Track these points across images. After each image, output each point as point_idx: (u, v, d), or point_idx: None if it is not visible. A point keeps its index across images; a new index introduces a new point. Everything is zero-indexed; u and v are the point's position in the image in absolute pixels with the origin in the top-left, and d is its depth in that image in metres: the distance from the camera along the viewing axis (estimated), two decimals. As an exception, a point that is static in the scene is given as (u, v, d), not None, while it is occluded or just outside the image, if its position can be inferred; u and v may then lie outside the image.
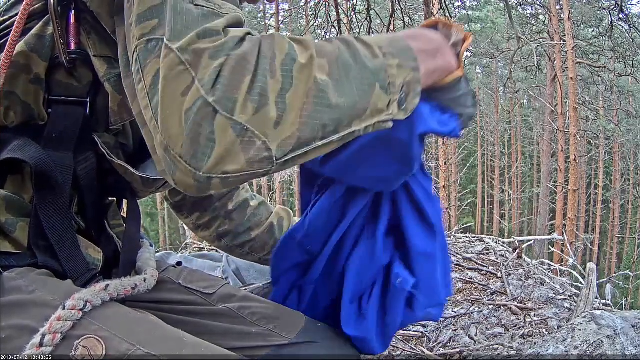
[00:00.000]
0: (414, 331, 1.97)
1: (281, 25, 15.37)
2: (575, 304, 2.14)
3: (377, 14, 5.09)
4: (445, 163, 11.68)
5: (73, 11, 0.73)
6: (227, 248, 1.19)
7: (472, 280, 2.54)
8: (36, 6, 0.73)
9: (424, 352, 1.77)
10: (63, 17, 0.72)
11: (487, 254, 2.99)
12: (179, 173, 0.54)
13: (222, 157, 0.52)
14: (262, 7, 13.71)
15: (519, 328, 1.90)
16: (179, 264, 1.05)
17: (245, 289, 1.21)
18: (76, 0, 0.73)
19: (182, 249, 3.56)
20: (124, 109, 0.77)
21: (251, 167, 0.53)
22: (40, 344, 0.57)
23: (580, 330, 1.40)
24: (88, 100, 0.76)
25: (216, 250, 2.98)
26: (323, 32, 5.54)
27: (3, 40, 0.74)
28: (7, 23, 0.75)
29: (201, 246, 3.40)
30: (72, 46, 0.73)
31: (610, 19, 5.99)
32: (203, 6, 0.57)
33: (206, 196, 1.11)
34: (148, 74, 0.55)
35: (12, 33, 0.69)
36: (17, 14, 0.72)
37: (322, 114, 0.54)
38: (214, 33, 0.54)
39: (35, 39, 0.73)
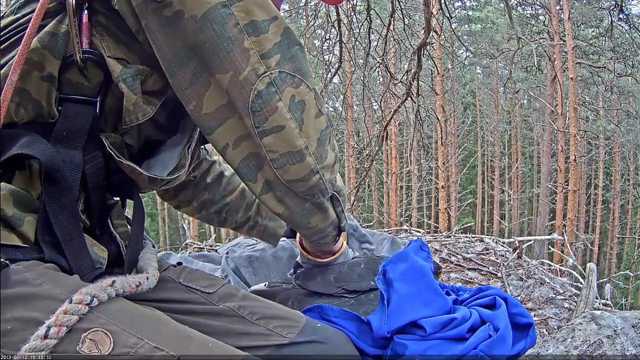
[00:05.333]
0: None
1: (281, 26, 15.34)
2: (575, 304, 2.14)
3: (377, 14, 5.08)
4: (444, 163, 11.68)
5: (86, 11, 0.74)
6: (207, 217, 1.30)
7: (472, 280, 2.54)
8: (51, 4, 0.74)
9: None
10: (76, 16, 0.73)
11: (487, 254, 2.99)
12: (300, 165, 0.80)
13: (328, 165, 0.84)
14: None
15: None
16: (179, 264, 1.05)
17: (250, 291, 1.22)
18: (91, 0, 0.74)
19: (182, 249, 3.57)
20: (139, 108, 0.78)
21: (332, 175, 0.86)
22: (45, 336, 0.58)
23: (580, 330, 1.40)
24: (98, 99, 0.77)
25: (215, 251, 2.98)
26: (323, 32, 5.54)
27: (16, 38, 0.75)
28: (21, 20, 0.76)
29: (201, 246, 3.40)
30: (84, 45, 0.74)
31: (610, 19, 5.99)
32: (303, 48, 0.80)
33: (189, 180, 1.24)
34: (286, 96, 0.76)
35: (28, 30, 0.70)
36: (30, 12, 0.73)
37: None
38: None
39: (49, 36, 0.73)
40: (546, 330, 1.95)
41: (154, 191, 1.23)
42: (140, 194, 0.89)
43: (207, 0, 0.71)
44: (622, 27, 7.21)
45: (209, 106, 0.77)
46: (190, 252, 3.10)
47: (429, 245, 3.01)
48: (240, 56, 0.73)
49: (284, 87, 0.76)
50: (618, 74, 9.92)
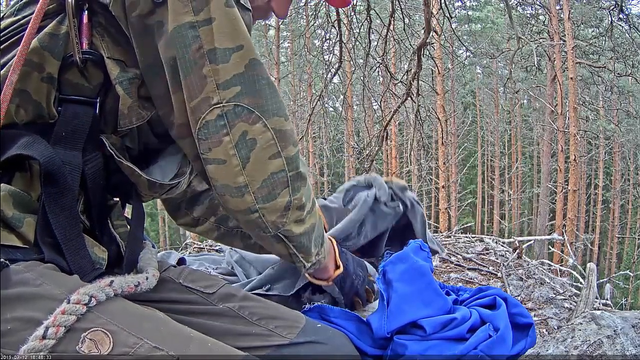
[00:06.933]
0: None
1: (281, 26, 15.36)
2: (575, 304, 2.14)
3: (377, 14, 5.09)
4: (444, 163, 11.68)
5: (86, 12, 0.74)
6: (222, 236, 1.22)
7: (472, 280, 2.54)
8: (51, 6, 0.74)
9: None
10: (76, 17, 0.74)
11: (487, 254, 2.99)
12: (238, 200, 0.77)
13: (274, 208, 0.79)
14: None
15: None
16: (182, 260, 1.05)
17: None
18: (90, 1, 0.74)
19: (182, 249, 3.56)
20: (134, 112, 0.78)
21: (280, 219, 0.80)
22: (44, 337, 0.58)
23: (580, 330, 1.40)
24: (97, 100, 0.77)
25: (216, 251, 2.98)
26: (323, 32, 5.54)
27: (16, 38, 0.75)
28: (21, 22, 0.76)
29: (201, 246, 3.40)
30: (84, 46, 0.74)
31: (610, 19, 5.99)
32: (272, 84, 0.76)
33: (203, 191, 1.18)
34: (236, 131, 0.74)
35: (27, 31, 0.70)
36: (30, 14, 0.73)
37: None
38: (288, 117, 0.79)
39: (49, 37, 0.74)
40: (546, 330, 1.95)
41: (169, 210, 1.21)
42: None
43: (178, 17, 0.70)
44: (622, 27, 7.21)
45: (174, 120, 0.77)
46: (190, 252, 3.10)
47: (429, 245, 3.00)
48: (196, 82, 0.72)
49: (236, 122, 0.73)
50: (618, 73, 9.90)
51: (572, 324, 1.48)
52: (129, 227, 0.90)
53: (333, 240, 1.09)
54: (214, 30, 0.71)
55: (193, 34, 0.70)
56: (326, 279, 1.06)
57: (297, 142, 0.81)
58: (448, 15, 4.05)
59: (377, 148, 4.88)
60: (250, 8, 0.78)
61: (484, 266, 2.72)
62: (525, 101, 19.99)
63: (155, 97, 0.78)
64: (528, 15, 12.56)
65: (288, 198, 0.80)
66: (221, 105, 0.72)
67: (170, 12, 0.70)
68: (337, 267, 1.07)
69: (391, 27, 4.37)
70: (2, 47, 0.75)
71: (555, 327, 1.95)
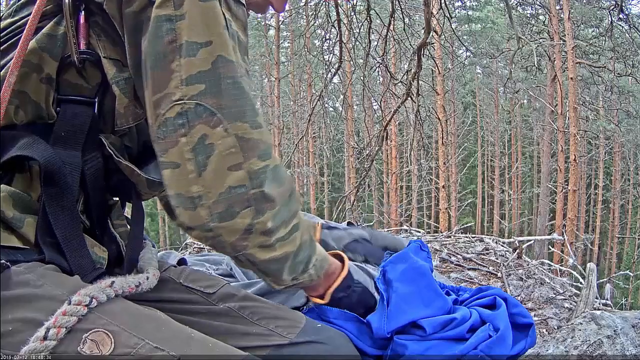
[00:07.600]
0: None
1: (281, 26, 15.38)
2: (575, 304, 2.14)
3: (377, 14, 5.09)
4: (444, 163, 11.69)
5: (83, 12, 0.74)
6: None
7: (472, 280, 2.54)
8: (48, 7, 0.74)
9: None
10: (74, 18, 0.74)
11: (487, 254, 2.99)
12: (191, 214, 0.69)
13: (232, 229, 0.70)
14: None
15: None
16: (183, 260, 1.05)
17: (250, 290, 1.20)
18: (87, 1, 0.74)
19: (182, 249, 3.56)
20: (130, 112, 0.78)
21: (240, 242, 0.72)
22: (45, 337, 0.58)
23: (580, 330, 1.40)
24: (96, 100, 0.77)
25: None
26: (323, 32, 5.55)
27: (14, 40, 0.75)
28: (19, 23, 0.76)
29: (201, 246, 3.40)
30: (82, 46, 0.74)
31: (610, 19, 5.99)
32: (239, 85, 0.70)
33: None
34: (195, 133, 0.67)
35: (25, 32, 0.70)
36: (28, 15, 0.73)
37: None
38: (260, 126, 0.72)
39: (47, 38, 0.74)
40: (546, 330, 1.96)
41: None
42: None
43: (158, 10, 0.68)
44: (622, 27, 7.21)
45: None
46: (190, 252, 3.10)
47: (429, 245, 3.01)
48: (164, 75, 0.68)
49: (196, 123, 0.67)
50: (618, 73, 9.91)
51: (572, 324, 1.48)
52: (128, 226, 0.90)
53: (346, 263, 0.95)
54: (186, 24, 0.68)
55: (168, 27, 0.67)
56: (318, 296, 0.94)
57: (267, 157, 0.72)
58: (448, 15, 4.06)
59: (377, 148, 4.89)
60: (244, 2, 0.75)
61: (484, 266, 2.73)
62: (525, 101, 20.00)
63: (142, 97, 0.75)
64: (528, 15, 12.58)
65: (249, 220, 0.70)
66: (182, 102, 0.67)
67: (154, 6, 0.68)
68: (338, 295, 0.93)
69: (391, 27, 4.37)
70: (1, 48, 0.75)
71: (555, 327, 1.95)
